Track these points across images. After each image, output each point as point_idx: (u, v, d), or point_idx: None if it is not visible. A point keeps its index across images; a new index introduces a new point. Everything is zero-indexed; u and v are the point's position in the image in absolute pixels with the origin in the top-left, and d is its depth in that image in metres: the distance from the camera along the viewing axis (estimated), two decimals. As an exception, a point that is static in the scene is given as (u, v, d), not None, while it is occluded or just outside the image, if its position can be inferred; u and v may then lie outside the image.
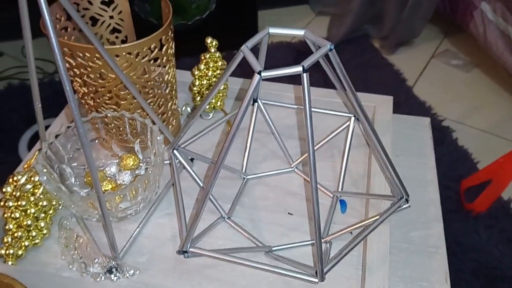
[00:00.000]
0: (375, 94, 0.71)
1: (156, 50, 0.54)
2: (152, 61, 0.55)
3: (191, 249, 0.49)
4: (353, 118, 0.61)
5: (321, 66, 0.50)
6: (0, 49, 1.76)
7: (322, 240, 0.55)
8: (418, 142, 0.70)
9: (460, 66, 1.79)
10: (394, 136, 0.71)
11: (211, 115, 0.71)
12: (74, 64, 0.54)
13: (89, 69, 0.54)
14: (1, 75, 1.62)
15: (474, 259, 1.17)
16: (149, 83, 0.57)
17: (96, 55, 0.51)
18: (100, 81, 0.55)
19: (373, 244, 0.53)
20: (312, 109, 0.66)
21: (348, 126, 0.61)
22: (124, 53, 0.52)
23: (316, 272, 0.46)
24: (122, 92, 0.57)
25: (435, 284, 0.54)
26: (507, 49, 1.58)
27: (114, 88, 0.56)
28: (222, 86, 0.68)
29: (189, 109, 0.71)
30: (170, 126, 0.66)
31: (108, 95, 0.57)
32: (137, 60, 0.53)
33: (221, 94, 0.69)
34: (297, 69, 0.38)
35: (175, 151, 0.56)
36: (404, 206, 0.53)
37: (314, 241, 0.55)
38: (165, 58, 0.57)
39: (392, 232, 0.59)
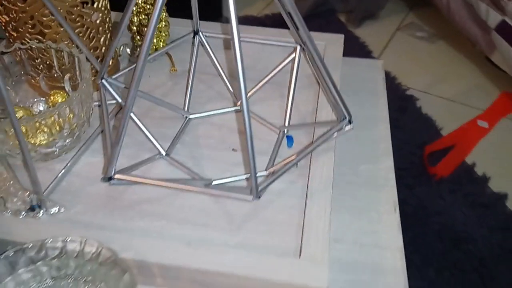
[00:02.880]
0: (326, 33, 0.68)
1: (80, -32, 0.50)
2: (76, -18, 0.51)
3: (116, 176, 0.45)
4: (298, 47, 0.58)
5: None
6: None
7: (266, 172, 0.52)
8: (370, 83, 0.68)
9: (425, 38, 1.79)
10: (346, 78, 0.68)
11: (153, 56, 0.67)
12: (-10, -15, 0.50)
13: (5, -9, 0.49)
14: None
15: (438, 222, 1.16)
16: (75, 8, 0.53)
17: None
18: (19, 4, 0.51)
19: (317, 172, 0.50)
20: (256, 41, 0.64)
21: (294, 58, 0.58)
22: (42, -31, 0.48)
23: (250, 191, 0.42)
24: (45, 18, 0.52)
25: (383, 214, 0.51)
26: (470, 18, 1.58)
27: (36, 14, 0.51)
28: (163, 23, 0.64)
29: (128, 50, 0.66)
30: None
31: (30, 22, 0.52)
32: (58, -22, 0.49)
33: (163, 34, 0.65)
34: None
35: (102, 81, 0.52)
36: (347, 128, 0.50)
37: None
38: (92, -20, 0.52)
39: (340, 166, 0.56)
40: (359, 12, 1.80)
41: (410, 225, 1.15)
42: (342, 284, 0.46)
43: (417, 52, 1.72)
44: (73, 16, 0.53)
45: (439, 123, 1.44)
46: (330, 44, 0.66)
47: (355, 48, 1.68)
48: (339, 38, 0.67)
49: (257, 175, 0.51)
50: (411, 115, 1.45)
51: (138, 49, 0.65)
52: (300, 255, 0.42)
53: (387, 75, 1.58)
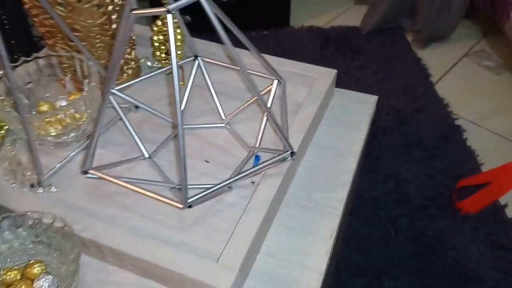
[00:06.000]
0: (320, 67, 0.74)
1: (98, -3, 0.61)
2: (96, 8, 0.63)
3: (91, 171, 0.56)
4: (276, 81, 0.65)
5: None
6: None
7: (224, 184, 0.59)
8: (356, 117, 0.72)
9: (491, 67, 1.72)
10: (335, 109, 0.74)
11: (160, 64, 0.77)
12: (32, 4, 0.63)
13: (42, 9, 0.62)
14: None
15: (451, 257, 1.15)
16: (94, 28, 0.64)
17: (43, -3, 0.59)
18: (50, 21, 0.63)
19: (259, 192, 0.57)
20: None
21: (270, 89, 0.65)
22: (66, -2, 0.60)
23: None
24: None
25: (319, 239, 0.57)
26: (538, 53, 1.50)
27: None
28: (179, 35, 0.74)
29: (148, 63, 0.77)
30: (125, 75, 0.74)
31: (59, 35, 0.65)
32: (79, 4, 0.61)
33: (179, 44, 0.75)
34: (163, 9, 0.44)
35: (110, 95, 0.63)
36: (288, 159, 0.56)
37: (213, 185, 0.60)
38: (111, 7, 0.64)
39: (297, 190, 0.62)
40: (425, 33, 1.77)
41: (422, 254, 1.16)
42: (258, 293, 0.53)
43: (480, 81, 1.67)
44: (93, 34, 0.65)
45: (482, 158, 1.40)
46: (320, 77, 0.72)
47: (413, 69, 1.67)
48: (331, 73, 0.72)
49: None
50: (453, 145, 1.43)
51: (156, 62, 0.76)
52: (218, 260, 0.50)
53: (440, 101, 1.56)
